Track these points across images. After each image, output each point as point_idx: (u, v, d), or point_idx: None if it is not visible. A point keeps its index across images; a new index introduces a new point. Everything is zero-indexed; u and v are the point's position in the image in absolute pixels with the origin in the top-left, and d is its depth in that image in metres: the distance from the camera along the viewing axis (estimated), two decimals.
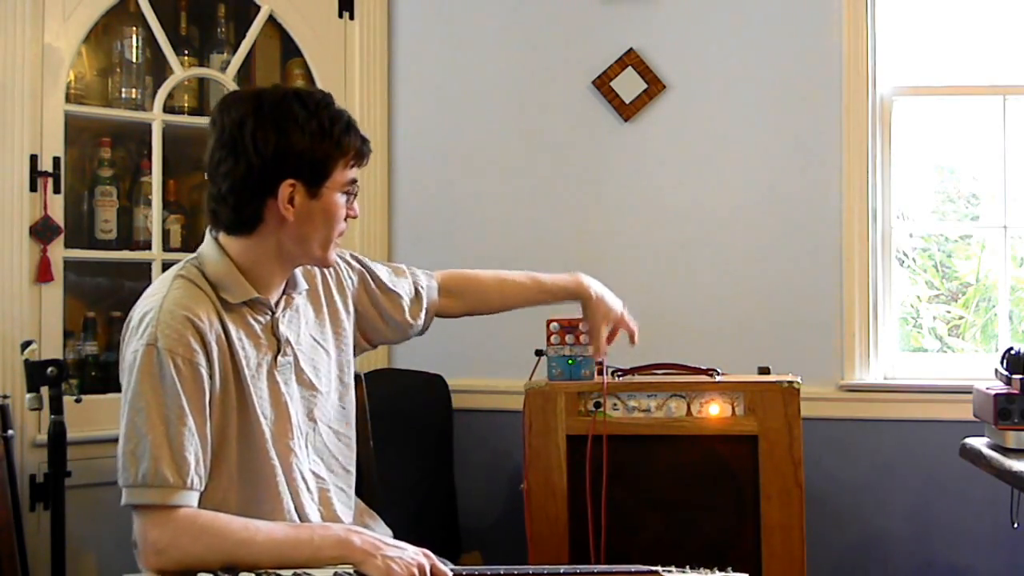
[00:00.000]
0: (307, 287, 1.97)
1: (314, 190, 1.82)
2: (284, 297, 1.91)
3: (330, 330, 2.01)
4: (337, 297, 2.04)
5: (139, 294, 2.73)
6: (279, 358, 1.87)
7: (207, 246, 1.88)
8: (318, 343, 1.97)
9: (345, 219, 1.87)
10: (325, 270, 2.03)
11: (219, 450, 1.77)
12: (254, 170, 1.78)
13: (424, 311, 2.19)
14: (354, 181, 1.86)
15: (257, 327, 1.85)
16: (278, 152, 1.78)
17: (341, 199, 1.84)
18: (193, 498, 1.70)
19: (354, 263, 2.12)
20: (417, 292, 2.19)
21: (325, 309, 2.02)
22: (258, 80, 3.27)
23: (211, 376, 1.75)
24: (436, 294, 2.23)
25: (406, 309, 2.15)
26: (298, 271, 1.95)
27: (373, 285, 2.12)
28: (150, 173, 3.05)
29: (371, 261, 2.16)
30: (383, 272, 2.15)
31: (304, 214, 1.82)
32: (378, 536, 1.75)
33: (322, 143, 1.80)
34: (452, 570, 1.77)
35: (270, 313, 1.87)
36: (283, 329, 1.89)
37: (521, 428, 2.60)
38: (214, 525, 1.69)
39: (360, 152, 1.85)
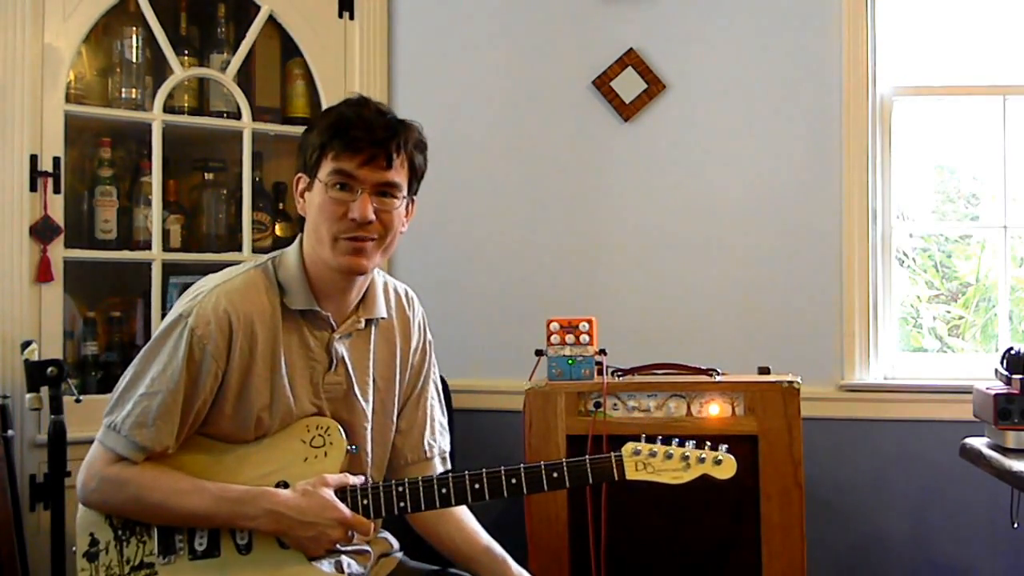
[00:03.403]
0: (383, 317, 1.97)
1: (311, 182, 1.86)
2: (351, 319, 1.91)
3: (396, 375, 2.01)
4: (412, 361, 2.05)
5: (139, 295, 2.76)
6: (328, 375, 1.88)
7: (292, 247, 1.93)
8: (375, 381, 1.97)
9: (350, 219, 1.80)
10: (423, 333, 2.08)
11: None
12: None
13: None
14: (343, 173, 1.80)
15: (311, 340, 1.88)
16: (299, 147, 1.89)
17: (331, 192, 1.81)
18: (140, 458, 1.80)
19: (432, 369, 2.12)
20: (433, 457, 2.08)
21: (398, 355, 2.01)
22: (258, 80, 3.27)
23: (226, 372, 1.81)
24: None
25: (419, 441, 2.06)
26: (381, 300, 1.96)
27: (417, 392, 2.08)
28: (150, 173, 3.04)
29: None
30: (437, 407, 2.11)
31: (309, 207, 1.87)
32: (296, 513, 1.78)
33: (315, 134, 1.85)
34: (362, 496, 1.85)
35: (330, 329, 1.89)
36: (339, 348, 1.90)
37: (521, 428, 2.60)
38: (138, 484, 1.79)
39: (348, 143, 1.79)
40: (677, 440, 1.87)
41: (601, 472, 1.85)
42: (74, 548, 1.85)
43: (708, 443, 1.87)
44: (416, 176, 1.91)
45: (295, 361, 1.86)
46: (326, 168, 1.82)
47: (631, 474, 1.84)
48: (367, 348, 1.95)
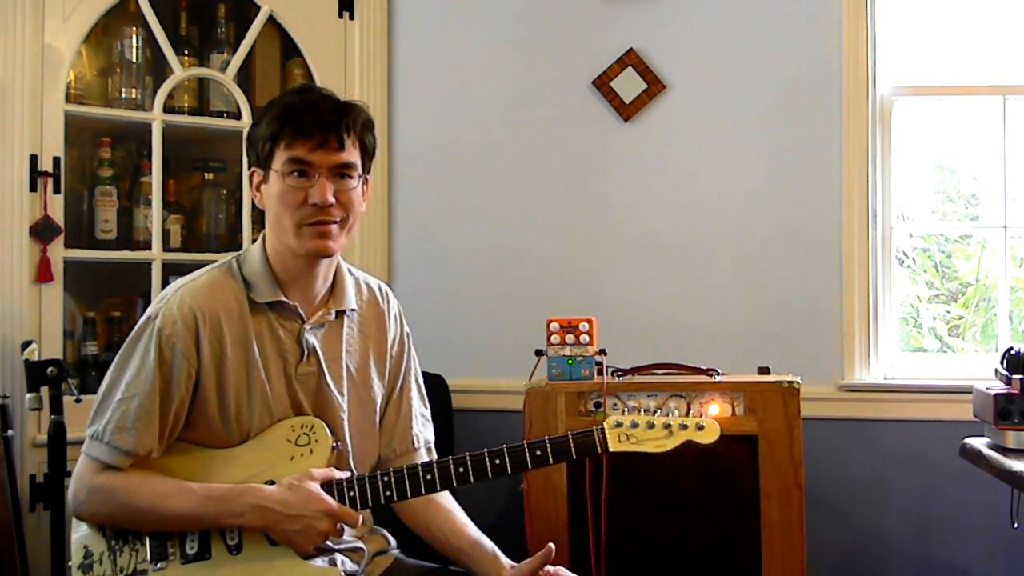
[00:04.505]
0: (355, 308, 1.98)
1: (266, 174, 1.87)
2: (321, 310, 1.92)
3: (374, 368, 2.02)
4: (391, 353, 2.05)
5: (139, 295, 2.71)
6: (300, 366, 1.89)
7: (256, 243, 1.94)
8: (350, 370, 1.97)
9: (311, 204, 1.81)
10: (400, 325, 2.07)
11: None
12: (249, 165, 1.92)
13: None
14: (298, 160, 1.81)
15: (281, 332, 1.88)
16: (246, 142, 1.91)
17: (288, 180, 1.82)
18: (126, 464, 1.82)
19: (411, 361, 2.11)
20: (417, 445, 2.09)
21: (373, 348, 2.02)
22: (258, 80, 3.27)
23: (199, 369, 1.83)
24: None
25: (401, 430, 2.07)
26: (351, 292, 1.97)
27: (399, 388, 2.08)
28: (150, 173, 3.05)
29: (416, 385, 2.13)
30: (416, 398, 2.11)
31: (268, 199, 1.88)
32: (281, 507, 1.78)
33: (264, 127, 1.85)
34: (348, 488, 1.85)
35: (299, 320, 1.89)
36: (310, 338, 1.90)
37: (521, 428, 2.60)
38: (124, 491, 1.80)
39: (298, 129, 1.80)
40: (659, 410, 1.88)
41: (584, 446, 1.84)
42: (70, 562, 1.85)
43: (691, 411, 1.87)
44: (368, 155, 1.91)
45: (268, 353, 1.87)
46: (280, 158, 1.83)
47: (614, 446, 1.83)
48: (339, 339, 1.95)
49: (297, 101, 1.84)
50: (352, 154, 1.85)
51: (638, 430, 1.84)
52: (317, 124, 1.81)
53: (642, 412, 1.87)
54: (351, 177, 1.86)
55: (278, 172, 1.83)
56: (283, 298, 1.88)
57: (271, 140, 1.83)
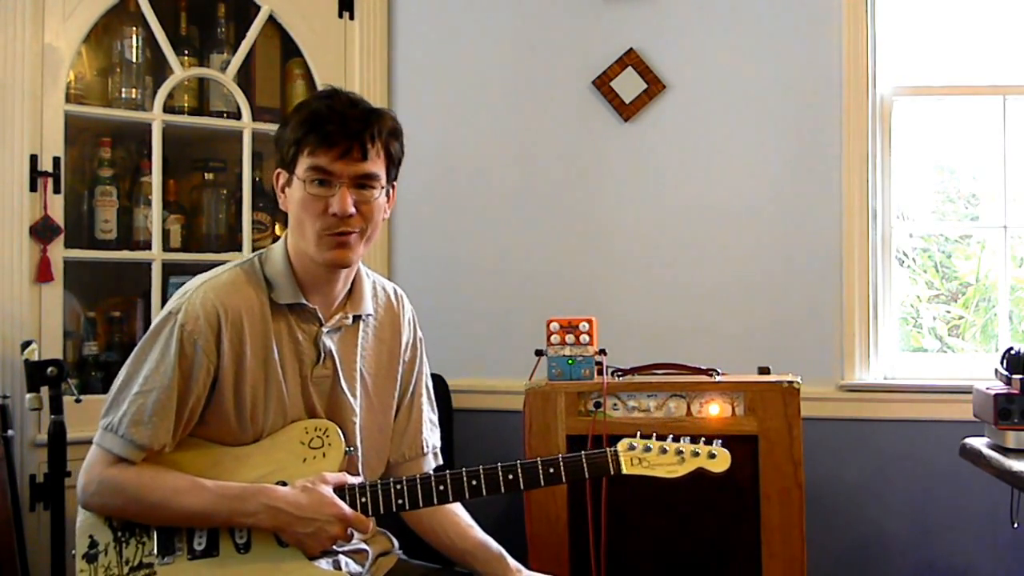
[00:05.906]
0: (371, 313, 1.98)
1: (290, 177, 1.86)
2: (339, 314, 1.92)
3: (387, 373, 2.02)
4: (404, 358, 2.06)
5: (139, 295, 2.71)
6: (316, 369, 1.89)
7: (279, 242, 1.94)
8: (364, 375, 1.97)
9: (331, 214, 1.80)
10: (413, 330, 2.08)
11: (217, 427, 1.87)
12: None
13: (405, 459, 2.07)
14: (320, 169, 1.80)
15: (299, 334, 1.89)
16: (274, 142, 1.89)
17: (310, 188, 1.81)
18: (139, 457, 1.80)
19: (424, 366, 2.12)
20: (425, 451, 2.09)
21: (386, 353, 2.02)
22: (258, 80, 3.27)
23: (219, 367, 1.82)
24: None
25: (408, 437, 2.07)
26: (368, 297, 1.97)
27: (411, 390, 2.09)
28: (150, 173, 3.05)
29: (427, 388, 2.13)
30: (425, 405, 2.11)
31: (291, 203, 1.88)
32: (294, 509, 1.78)
33: (290, 130, 1.85)
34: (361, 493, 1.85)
35: (317, 323, 1.89)
36: (327, 341, 1.90)
37: (521, 428, 2.60)
38: (137, 485, 1.79)
39: (322, 137, 1.79)
40: (672, 436, 1.89)
41: (597, 467, 1.87)
42: (73, 551, 1.85)
43: (703, 438, 1.88)
44: (393, 163, 1.89)
45: (285, 355, 1.87)
46: (303, 164, 1.82)
47: (627, 468, 1.86)
48: (355, 343, 1.95)
49: (324, 107, 1.82)
50: (376, 164, 1.83)
51: (651, 454, 1.86)
52: (341, 133, 1.79)
53: (655, 437, 1.89)
54: (373, 188, 1.83)
55: (300, 179, 1.82)
56: (304, 301, 1.88)
57: (295, 145, 1.82)
